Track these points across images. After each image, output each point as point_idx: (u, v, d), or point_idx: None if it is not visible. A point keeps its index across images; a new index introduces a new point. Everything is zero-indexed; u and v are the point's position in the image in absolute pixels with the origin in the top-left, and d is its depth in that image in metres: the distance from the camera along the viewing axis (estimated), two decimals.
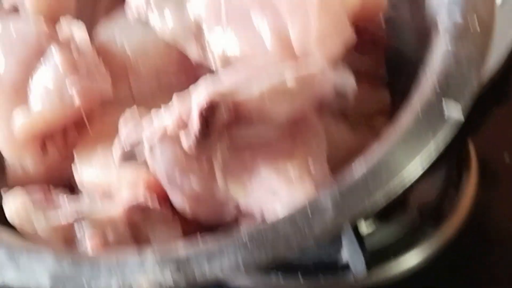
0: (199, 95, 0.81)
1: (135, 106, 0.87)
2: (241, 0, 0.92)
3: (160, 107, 0.86)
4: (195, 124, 0.80)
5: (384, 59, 1.02)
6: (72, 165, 0.93)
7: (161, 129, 0.82)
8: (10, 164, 0.96)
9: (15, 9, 1.02)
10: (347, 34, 0.90)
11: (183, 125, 0.81)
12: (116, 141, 0.84)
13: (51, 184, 0.93)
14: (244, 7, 0.92)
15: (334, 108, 0.90)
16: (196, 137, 0.80)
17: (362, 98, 0.92)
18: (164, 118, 0.82)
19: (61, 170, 0.95)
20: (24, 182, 0.94)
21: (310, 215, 0.75)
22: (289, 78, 0.83)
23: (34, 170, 0.94)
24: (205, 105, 0.79)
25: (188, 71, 0.98)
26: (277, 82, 0.83)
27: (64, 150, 0.94)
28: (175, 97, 0.83)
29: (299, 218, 0.75)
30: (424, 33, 0.94)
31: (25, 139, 0.91)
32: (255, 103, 0.81)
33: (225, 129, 0.82)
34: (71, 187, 0.95)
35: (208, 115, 0.80)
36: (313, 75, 0.85)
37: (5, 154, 0.94)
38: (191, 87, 0.83)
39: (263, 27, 0.90)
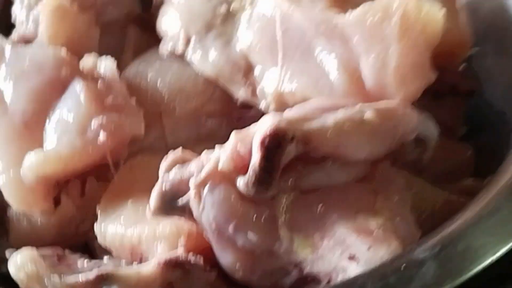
0: (262, 124, 0.65)
1: (180, 148, 0.71)
2: (302, 32, 0.78)
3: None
4: (256, 156, 0.64)
5: (463, 111, 0.90)
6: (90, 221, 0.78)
7: (212, 169, 0.66)
8: (14, 219, 0.81)
9: (25, 41, 0.88)
10: (428, 71, 0.76)
11: (241, 160, 0.65)
12: (155, 188, 0.69)
13: (64, 244, 0.78)
14: (306, 40, 0.78)
15: (409, 161, 0.75)
16: (257, 173, 0.64)
17: (439, 153, 0.78)
18: (217, 155, 0.67)
19: (75, 226, 0.80)
20: (31, 240, 0.77)
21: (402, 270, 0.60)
22: (368, 109, 0.69)
23: (44, 224, 0.79)
24: (270, 133, 0.63)
25: (231, 114, 0.85)
26: (354, 113, 0.69)
27: (80, 201, 0.80)
28: (233, 133, 0.68)
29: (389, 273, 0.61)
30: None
31: (36, 183, 0.76)
32: (329, 135, 0.66)
33: (292, 167, 0.66)
34: (86, 251, 0.79)
35: (273, 145, 0.64)
36: (394, 109, 0.72)
37: (11, 202, 0.78)
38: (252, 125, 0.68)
39: (329, 60, 0.77)
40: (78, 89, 0.78)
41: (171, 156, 0.70)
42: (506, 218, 0.64)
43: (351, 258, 0.65)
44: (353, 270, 0.65)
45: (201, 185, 0.66)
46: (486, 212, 0.65)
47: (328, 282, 0.67)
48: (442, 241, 0.62)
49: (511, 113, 0.83)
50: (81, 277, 0.68)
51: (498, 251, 0.60)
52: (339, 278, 0.66)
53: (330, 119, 0.67)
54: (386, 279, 0.60)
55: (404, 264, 0.61)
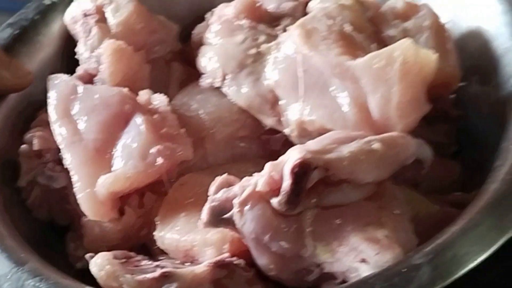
0: (291, 156, 0.81)
1: (226, 174, 0.86)
2: (320, 72, 0.94)
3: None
4: (287, 181, 0.80)
5: (454, 130, 1.04)
6: (148, 227, 0.94)
7: (252, 191, 0.82)
8: (88, 226, 0.96)
9: (89, 76, 1.03)
10: (424, 104, 0.91)
11: (275, 184, 0.81)
12: (206, 206, 0.84)
13: (127, 246, 0.94)
14: (323, 79, 0.94)
15: (407, 177, 0.90)
16: (287, 195, 0.80)
17: (433, 169, 0.92)
18: (255, 180, 0.82)
19: (137, 231, 0.96)
20: (101, 243, 0.94)
21: (403, 272, 0.74)
22: (375, 141, 0.84)
23: (111, 230, 0.95)
24: (298, 162, 0.80)
25: (260, 137, 1.01)
26: (364, 144, 0.84)
27: (139, 211, 0.95)
28: (268, 163, 0.83)
29: (393, 275, 0.75)
30: (496, 107, 0.97)
31: (106, 197, 0.92)
32: (345, 163, 0.81)
33: (315, 189, 0.82)
34: (145, 250, 0.95)
35: (300, 172, 0.80)
36: (396, 139, 0.86)
37: (87, 213, 0.94)
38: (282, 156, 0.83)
39: (342, 96, 0.92)
40: (139, 122, 0.94)
41: (219, 180, 0.84)
42: (486, 231, 0.75)
43: (362, 261, 0.78)
44: (364, 271, 0.78)
45: (243, 204, 0.81)
46: (470, 226, 0.76)
47: (343, 281, 0.81)
48: (435, 249, 0.74)
49: (494, 134, 0.93)
50: (148, 275, 0.83)
51: (478, 258, 0.73)
52: (352, 276, 0.80)
53: (345, 150, 0.82)
54: (390, 280, 0.73)
55: (404, 268, 0.73)
